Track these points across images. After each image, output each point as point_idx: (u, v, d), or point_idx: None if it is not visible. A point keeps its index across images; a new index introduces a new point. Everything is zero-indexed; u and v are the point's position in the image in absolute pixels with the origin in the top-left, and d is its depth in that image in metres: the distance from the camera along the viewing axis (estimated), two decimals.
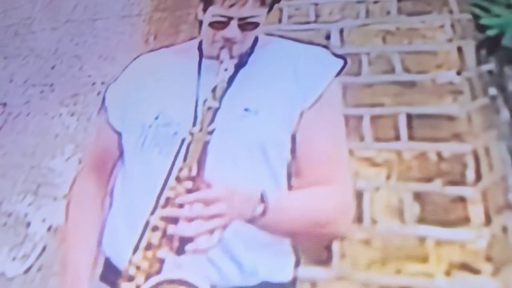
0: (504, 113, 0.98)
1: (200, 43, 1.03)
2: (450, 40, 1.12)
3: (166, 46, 1.39)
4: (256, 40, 0.97)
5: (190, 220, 0.73)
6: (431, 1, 1.18)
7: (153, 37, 1.41)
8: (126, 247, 0.83)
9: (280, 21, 1.29)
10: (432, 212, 0.90)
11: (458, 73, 1.06)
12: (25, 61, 1.49)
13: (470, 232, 0.86)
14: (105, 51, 1.42)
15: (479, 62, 1.07)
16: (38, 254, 1.08)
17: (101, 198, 0.98)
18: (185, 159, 0.81)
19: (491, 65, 1.06)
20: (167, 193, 0.78)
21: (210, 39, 0.92)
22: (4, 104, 1.40)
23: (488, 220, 0.87)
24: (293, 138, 0.86)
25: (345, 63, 0.94)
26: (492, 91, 1.02)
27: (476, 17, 1.16)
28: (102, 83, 1.37)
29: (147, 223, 0.78)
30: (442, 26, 1.14)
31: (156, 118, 0.94)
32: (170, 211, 0.75)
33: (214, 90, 0.85)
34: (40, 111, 1.35)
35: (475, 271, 0.82)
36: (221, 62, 0.96)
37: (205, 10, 0.97)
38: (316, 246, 0.84)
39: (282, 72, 0.93)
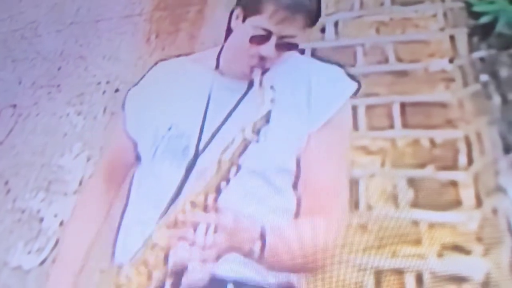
0: (496, 98, 1.01)
1: (219, 53, 0.93)
2: (442, 29, 1.14)
3: (167, 48, 1.42)
4: None
5: (191, 243, 0.71)
6: None
7: (154, 35, 1.45)
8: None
9: None
10: (425, 196, 0.93)
11: (450, 61, 1.08)
12: (32, 64, 1.54)
13: (461, 215, 0.89)
14: (108, 51, 1.47)
15: (471, 50, 1.09)
16: (52, 247, 1.13)
17: (109, 203, 0.97)
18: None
19: (483, 52, 1.08)
20: (178, 215, 0.75)
21: (244, 52, 0.83)
22: (14, 106, 1.45)
23: (479, 203, 0.90)
24: (298, 161, 0.80)
25: (359, 86, 0.87)
26: (484, 77, 1.04)
27: (468, 4, 1.18)
28: (107, 82, 1.42)
29: (149, 239, 0.76)
30: (434, 15, 1.16)
31: (169, 129, 0.91)
32: (175, 232, 0.72)
33: (255, 122, 0.75)
34: (49, 112, 1.40)
35: (466, 252, 0.86)
36: (252, 81, 0.86)
37: (244, 19, 0.86)
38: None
39: (294, 92, 0.84)
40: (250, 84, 0.82)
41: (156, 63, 1.02)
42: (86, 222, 0.94)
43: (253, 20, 0.77)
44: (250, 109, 0.79)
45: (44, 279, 1.13)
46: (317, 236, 0.76)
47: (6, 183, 1.29)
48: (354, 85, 0.83)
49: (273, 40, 0.79)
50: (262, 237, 0.72)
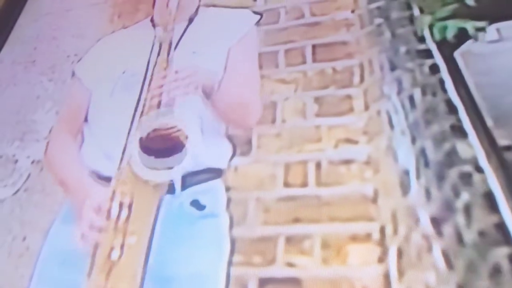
0: (387, 34, 1.25)
1: (152, 17, 1.44)
2: None
3: (127, 24, 1.70)
4: (197, 10, 1.38)
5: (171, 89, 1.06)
6: None
7: (117, 16, 1.69)
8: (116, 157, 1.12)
9: None
10: (326, 108, 1.15)
11: (352, 11, 1.33)
12: (12, 47, 1.77)
13: (352, 118, 1.11)
14: (77, 31, 1.71)
15: (369, 2, 1.34)
16: (24, 180, 1.32)
17: (75, 139, 1.28)
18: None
19: (379, 3, 1.33)
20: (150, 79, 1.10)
21: (163, 7, 1.32)
22: None
23: (366, 108, 1.12)
24: (225, 66, 1.20)
25: (261, 17, 1.36)
26: (378, 20, 1.28)
27: None
28: (75, 54, 1.65)
29: (136, 108, 1.12)
30: None
31: (123, 72, 1.28)
32: (155, 84, 1.11)
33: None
34: (24, 81, 1.62)
35: (355, 142, 1.07)
36: (191, 18, 1.37)
37: None
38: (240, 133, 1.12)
39: (218, 26, 1.29)
40: (190, 21, 1.26)
41: (99, 39, 1.47)
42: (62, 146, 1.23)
43: None
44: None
45: (17, 206, 1.31)
46: (246, 100, 1.11)
47: None
48: (258, 16, 1.26)
49: None
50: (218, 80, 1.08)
